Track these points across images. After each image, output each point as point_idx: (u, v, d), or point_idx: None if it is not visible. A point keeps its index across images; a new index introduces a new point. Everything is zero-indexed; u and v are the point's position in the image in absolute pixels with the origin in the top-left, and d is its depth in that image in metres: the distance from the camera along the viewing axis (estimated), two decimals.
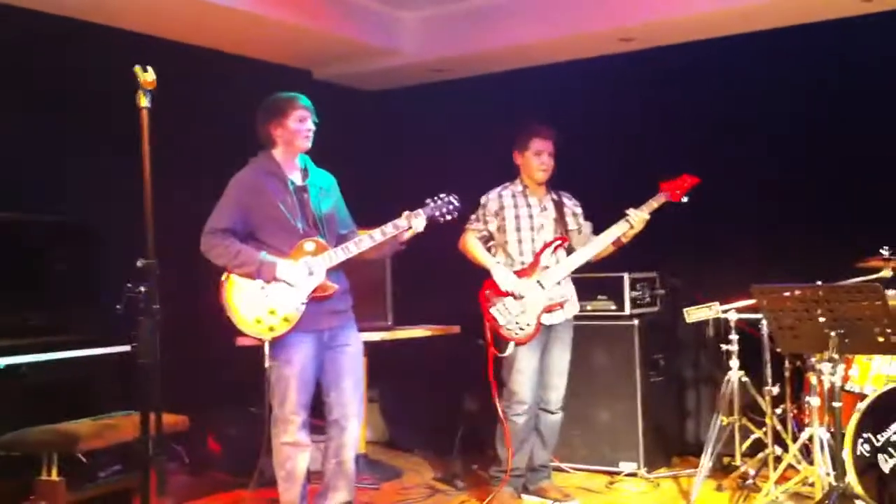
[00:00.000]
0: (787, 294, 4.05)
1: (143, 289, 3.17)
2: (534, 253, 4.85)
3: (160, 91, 3.23)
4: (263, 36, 6.00)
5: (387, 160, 7.01)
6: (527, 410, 4.85)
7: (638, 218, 4.71)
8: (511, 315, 4.77)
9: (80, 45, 5.37)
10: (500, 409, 4.84)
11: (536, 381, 4.87)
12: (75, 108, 5.32)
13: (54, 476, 4.07)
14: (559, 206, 4.99)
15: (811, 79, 5.66)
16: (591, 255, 4.81)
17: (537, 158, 4.91)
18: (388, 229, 4.15)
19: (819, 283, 4.08)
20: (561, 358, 4.94)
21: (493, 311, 4.79)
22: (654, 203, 4.75)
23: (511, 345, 4.77)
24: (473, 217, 5.02)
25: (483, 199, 5.03)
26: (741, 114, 5.87)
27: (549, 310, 4.80)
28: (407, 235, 4.21)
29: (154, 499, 3.29)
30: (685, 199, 4.80)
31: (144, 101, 3.20)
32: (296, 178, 4.22)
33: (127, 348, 4.49)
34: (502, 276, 4.81)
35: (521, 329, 4.76)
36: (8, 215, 4.72)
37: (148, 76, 3.19)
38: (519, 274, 4.82)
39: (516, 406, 4.83)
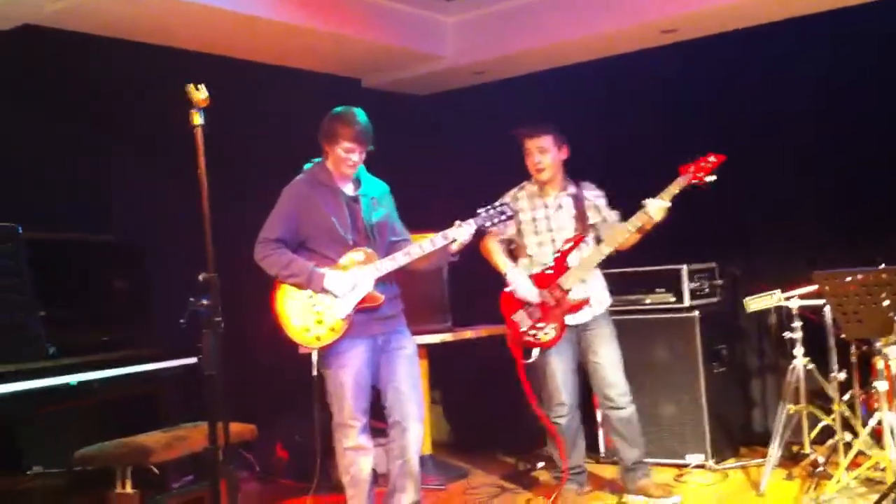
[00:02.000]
0: (849, 279, 4.00)
1: (205, 302, 3.23)
2: (554, 254, 4.76)
3: (212, 106, 3.29)
4: (313, 47, 6.07)
5: (437, 165, 7.02)
6: (567, 412, 4.82)
7: (656, 207, 4.50)
8: (533, 320, 4.73)
9: (131, 65, 5.48)
10: (541, 414, 4.83)
11: (575, 382, 4.84)
12: (127, 128, 5.44)
13: (129, 489, 4.14)
14: (578, 200, 4.86)
15: (863, 63, 5.55)
16: (608, 251, 4.66)
17: (529, 159, 4.83)
18: (438, 240, 4.15)
19: (882, 266, 4.01)
20: (609, 354, 4.83)
21: (514, 317, 4.76)
22: (673, 189, 4.52)
23: (536, 351, 4.72)
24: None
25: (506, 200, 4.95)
26: (792, 101, 5.78)
27: (572, 310, 4.72)
28: (454, 247, 4.19)
29: None
30: (711, 179, 4.52)
31: (198, 119, 3.26)
32: (348, 188, 4.26)
33: (192, 360, 4.59)
34: (516, 282, 4.76)
35: (545, 333, 4.71)
36: (67, 236, 4.84)
37: (201, 94, 3.25)
38: (543, 277, 4.75)
39: (557, 408, 4.81)
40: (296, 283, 4.12)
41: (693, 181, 4.53)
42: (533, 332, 4.72)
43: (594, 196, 4.92)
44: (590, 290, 4.81)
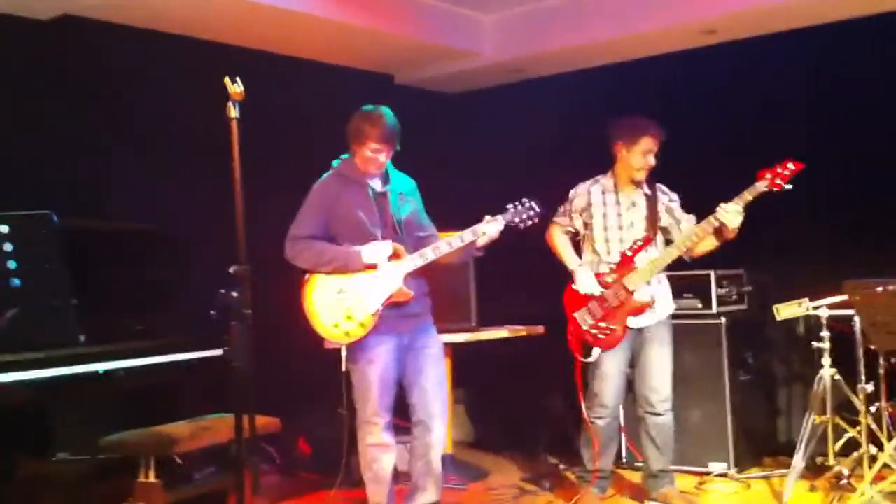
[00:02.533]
0: (880, 289, 3.97)
1: (235, 294, 3.24)
2: (621, 252, 4.72)
3: (246, 99, 3.30)
4: (347, 43, 6.09)
5: (468, 162, 7.03)
6: (609, 414, 4.80)
7: (729, 214, 4.43)
8: (595, 319, 4.70)
9: (168, 58, 5.54)
10: (584, 411, 4.81)
11: (621, 385, 4.81)
12: (165, 119, 5.48)
13: (152, 478, 4.17)
14: (652, 201, 4.79)
15: None
16: (676, 254, 4.62)
17: (643, 158, 4.68)
18: (467, 235, 4.15)
19: None
20: (659, 358, 4.79)
21: (576, 315, 4.72)
22: (747, 195, 4.45)
23: (596, 350, 4.67)
24: (560, 210, 4.92)
25: (571, 194, 4.90)
26: (828, 106, 5.75)
27: (636, 312, 4.67)
28: (481, 242, 4.18)
29: (248, 499, 3.36)
30: (788, 187, 4.44)
31: (234, 112, 3.28)
32: (376, 184, 4.27)
33: (219, 352, 4.61)
34: (583, 279, 4.72)
35: (607, 333, 4.66)
36: (102, 224, 4.90)
37: (237, 88, 3.27)
38: (605, 276, 4.71)
39: (598, 409, 4.78)
40: (335, 269, 4.13)
41: (772, 188, 4.44)
42: (594, 331, 4.68)
43: (668, 199, 4.85)
44: (655, 292, 4.76)
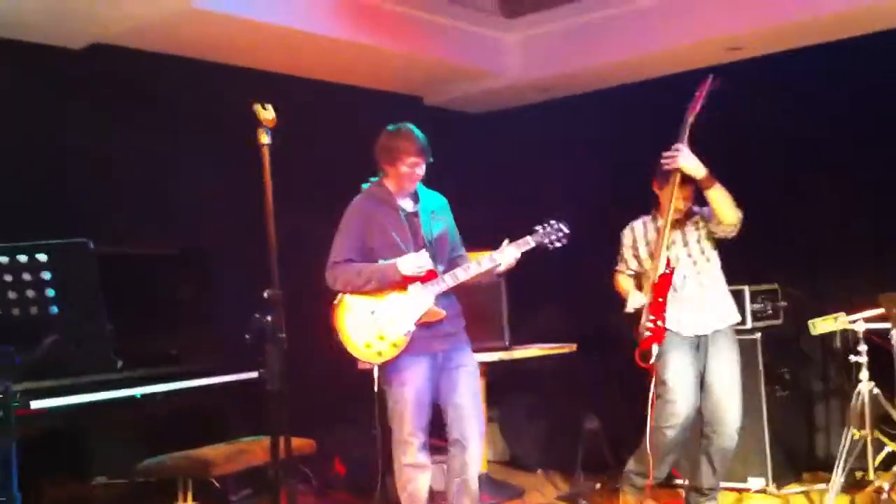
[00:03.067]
0: None
1: (269, 318, 3.27)
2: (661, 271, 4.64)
3: (277, 122, 3.32)
4: (376, 66, 6.15)
5: (495, 182, 7.04)
6: (684, 422, 4.67)
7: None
8: (646, 321, 4.60)
9: (198, 83, 5.61)
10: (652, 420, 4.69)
11: (695, 392, 4.68)
12: (196, 144, 5.55)
13: (189, 501, 4.21)
14: (685, 232, 4.80)
15: None
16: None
17: (674, 193, 4.58)
18: (486, 262, 4.17)
19: None
20: (727, 375, 4.68)
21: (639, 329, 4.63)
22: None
23: (654, 347, 4.56)
24: (618, 257, 4.99)
25: (621, 236, 4.98)
26: (857, 121, 5.70)
27: (660, 289, 4.60)
28: (500, 269, 4.20)
29: None
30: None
31: (265, 139, 3.30)
32: (406, 205, 4.29)
33: (254, 375, 4.64)
34: (633, 300, 4.76)
35: (653, 326, 4.57)
36: (136, 251, 4.96)
37: (268, 114, 3.28)
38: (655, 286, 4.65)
39: (670, 418, 4.66)
40: (376, 287, 4.15)
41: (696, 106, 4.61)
42: (643, 329, 4.61)
43: (699, 215, 4.83)
44: (708, 300, 4.74)
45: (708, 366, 4.72)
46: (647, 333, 4.62)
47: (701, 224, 4.79)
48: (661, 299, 4.60)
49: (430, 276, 4.16)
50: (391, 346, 4.12)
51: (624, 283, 4.97)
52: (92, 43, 5.22)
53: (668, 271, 4.62)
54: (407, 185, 4.24)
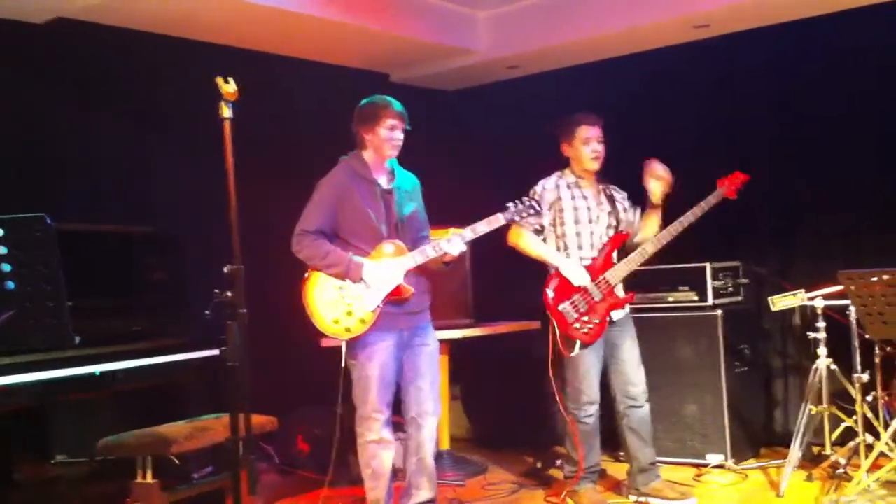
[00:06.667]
0: (875, 279, 3.98)
1: (230, 294, 3.25)
2: (593, 246, 4.77)
3: (241, 99, 3.30)
4: (342, 42, 6.08)
5: (464, 159, 7.02)
6: (596, 410, 4.81)
7: (692, 220, 4.65)
8: (579, 313, 4.70)
9: (164, 59, 5.54)
10: (565, 410, 4.81)
11: (599, 379, 4.81)
12: (161, 120, 5.50)
13: (149, 479, 4.17)
14: (611, 198, 4.89)
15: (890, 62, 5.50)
16: (652, 251, 4.68)
17: (587, 146, 4.78)
18: (429, 251, 4.16)
19: None
20: (633, 351, 4.85)
21: (561, 308, 4.68)
22: (712, 200, 4.66)
23: (578, 344, 4.68)
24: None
25: (538, 189, 4.85)
26: (822, 100, 5.75)
27: (617, 306, 4.73)
28: (447, 258, 4.20)
29: (246, 498, 3.37)
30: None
31: (227, 112, 3.28)
32: (382, 181, 4.28)
33: (215, 352, 4.62)
34: (575, 272, 4.69)
35: (590, 327, 4.67)
36: (105, 227, 4.90)
37: (229, 87, 3.26)
38: (589, 269, 4.71)
39: (587, 407, 4.77)
40: (335, 273, 4.13)
41: (728, 196, 4.70)
42: (578, 325, 4.67)
43: (621, 198, 4.96)
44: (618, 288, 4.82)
45: (615, 344, 4.83)
46: (589, 328, 4.67)
47: (624, 213, 4.90)
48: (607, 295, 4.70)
49: (397, 254, 4.16)
50: (359, 322, 4.12)
51: (530, 238, 4.78)
52: (55, 17, 5.12)
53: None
54: (387, 150, 4.21)
